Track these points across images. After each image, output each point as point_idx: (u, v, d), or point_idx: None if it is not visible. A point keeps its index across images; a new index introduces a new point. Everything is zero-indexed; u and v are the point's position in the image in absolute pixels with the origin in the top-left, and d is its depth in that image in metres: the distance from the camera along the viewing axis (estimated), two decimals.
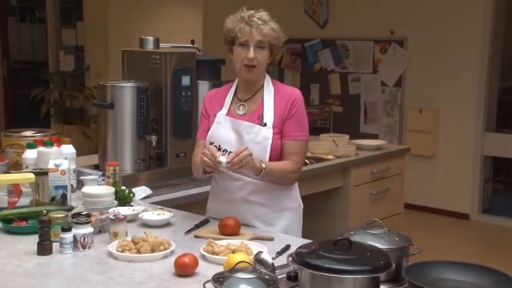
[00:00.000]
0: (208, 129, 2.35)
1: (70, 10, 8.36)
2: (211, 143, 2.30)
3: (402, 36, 5.89)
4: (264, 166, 2.17)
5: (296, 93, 2.31)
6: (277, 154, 2.25)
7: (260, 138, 2.24)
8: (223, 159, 2.12)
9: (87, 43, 7.97)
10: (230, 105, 2.34)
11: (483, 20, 5.46)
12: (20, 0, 9.20)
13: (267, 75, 2.34)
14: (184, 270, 1.76)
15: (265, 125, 2.25)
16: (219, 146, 2.28)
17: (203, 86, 3.06)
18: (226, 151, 2.26)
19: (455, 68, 5.61)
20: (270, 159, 2.23)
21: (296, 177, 2.33)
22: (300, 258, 1.49)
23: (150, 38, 3.02)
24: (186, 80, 2.93)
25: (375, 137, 5.66)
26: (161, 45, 3.06)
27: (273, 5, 6.65)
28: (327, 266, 1.44)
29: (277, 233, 2.23)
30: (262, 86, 2.32)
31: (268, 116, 2.26)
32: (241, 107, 2.32)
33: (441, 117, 5.73)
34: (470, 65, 5.54)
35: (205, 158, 2.13)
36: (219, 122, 2.33)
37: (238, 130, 2.27)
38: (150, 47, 3.01)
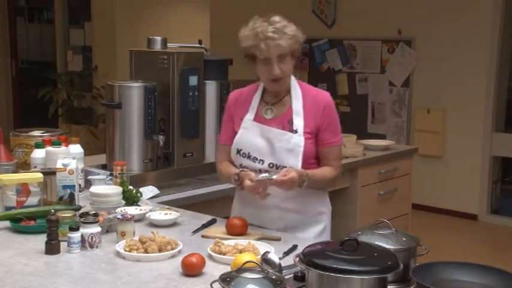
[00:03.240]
0: (233, 134, 2.27)
1: (78, 10, 8.39)
2: (238, 150, 2.23)
3: (410, 36, 5.87)
4: (306, 182, 2.12)
5: (326, 98, 2.25)
6: (308, 159, 2.19)
7: (291, 146, 2.17)
8: (263, 175, 2.09)
9: (95, 43, 8.00)
10: (257, 109, 2.26)
11: (492, 19, 5.43)
12: (29, 1, 9.24)
13: (292, 76, 2.27)
14: (191, 270, 1.76)
15: (295, 132, 2.18)
16: (248, 153, 2.22)
17: (210, 86, 3.07)
18: (257, 159, 2.20)
19: (464, 68, 5.58)
20: (302, 165, 2.17)
21: (335, 181, 2.30)
22: (307, 258, 1.49)
23: (158, 38, 3.02)
24: (193, 80, 2.93)
25: (382, 137, 5.64)
26: (169, 45, 3.06)
27: (281, 5, 6.67)
28: (334, 266, 1.43)
29: (312, 239, 2.18)
30: (290, 89, 2.24)
31: (298, 122, 2.19)
32: (268, 111, 2.25)
33: (449, 117, 5.70)
34: (478, 64, 5.51)
35: (252, 189, 2.10)
36: (246, 128, 2.24)
37: (269, 137, 2.20)
38: (157, 47, 3.01)
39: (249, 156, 2.21)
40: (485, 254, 4.73)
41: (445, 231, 5.25)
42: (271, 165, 2.19)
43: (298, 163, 2.16)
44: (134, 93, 2.81)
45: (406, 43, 5.89)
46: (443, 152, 5.74)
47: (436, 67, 5.72)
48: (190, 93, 2.93)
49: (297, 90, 2.24)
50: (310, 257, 1.48)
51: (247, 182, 2.10)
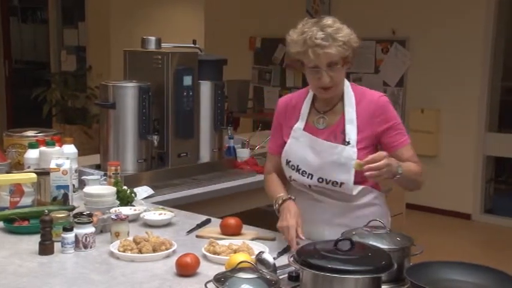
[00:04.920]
0: (282, 143, 2.13)
1: (72, 10, 8.37)
2: (288, 161, 2.10)
3: (404, 36, 5.89)
4: (400, 171, 1.87)
5: (380, 99, 2.06)
6: (362, 172, 1.94)
7: (343, 159, 2.01)
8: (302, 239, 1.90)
9: (89, 43, 7.98)
10: (308, 116, 2.11)
11: (485, 20, 5.45)
12: (22, 1, 9.21)
13: (345, 80, 2.09)
14: (185, 270, 1.76)
15: (348, 143, 2.02)
16: (297, 166, 2.08)
17: (205, 86, 3.06)
18: (306, 173, 2.06)
19: (457, 68, 5.60)
20: (356, 180, 2.01)
21: (423, 180, 2.06)
22: (301, 258, 1.49)
23: (152, 38, 3.02)
24: (187, 80, 2.93)
25: None
26: (163, 45, 3.05)
27: (275, 5, 6.68)
28: (329, 266, 1.43)
29: None
30: (343, 95, 2.07)
31: (351, 132, 2.03)
32: (321, 120, 2.09)
33: (443, 117, 5.72)
34: (472, 65, 5.53)
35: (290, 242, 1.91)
36: (296, 138, 2.10)
37: (319, 150, 2.05)
38: (152, 47, 3.01)
39: (298, 170, 2.08)
40: (479, 253, 4.75)
41: (439, 231, 5.27)
42: (320, 180, 2.05)
43: (350, 178, 2.00)
44: (128, 93, 2.81)
45: (400, 43, 5.91)
46: (437, 152, 5.76)
47: (430, 67, 5.74)
48: (185, 94, 2.93)
49: (350, 96, 2.07)
50: (304, 257, 1.49)
51: (294, 245, 1.88)
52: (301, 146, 2.08)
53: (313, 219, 2.07)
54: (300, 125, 2.11)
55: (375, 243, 1.63)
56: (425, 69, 5.77)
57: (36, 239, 1.96)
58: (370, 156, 1.82)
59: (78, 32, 8.17)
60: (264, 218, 2.48)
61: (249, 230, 2.17)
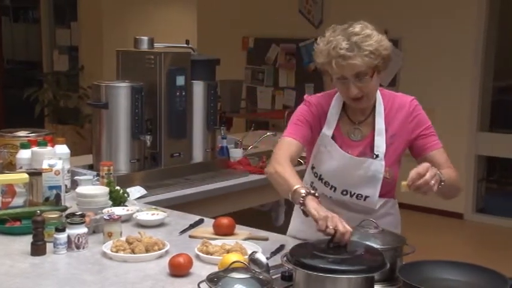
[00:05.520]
0: (308, 133, 1.97)
1: (64, 10, 8.33)
2: (313, 167, 2.00)
3: (397, 35, 5.89)
4: (443, 178, 1.76)
5: (413, 104, 1.97)
6: (388, 187, 1.92)
7: (371, 173, 1.92)
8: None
9: (81, 43, 7.95)
10: (340, 125, 1.98)
11: (477, 20, 5.48)
12: (14, 0, 9.16)
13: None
14: (178, 270, 1.76)
15: (376, 156, 1.93)
16: (320, 175, 1.99)
17: (198, 86, 3.06)
18: (329, 184, 1.97)
19: (450, 68, 5.62)
20: (381, 193, 1.94)
21: (461, 186, 1.96)
22: (294, 258, 1.49)
23: (145, 38, 3.01)
24: (180, 80, 2.93)
25: None
26: (156, 45, 3.05)
27: (268, 5, 6.68)
28: (322, 266, 1.44)
29: None
30: (375, 104, 1.96)
31: (380, 144, 1.93)
32: (356, 131, 1.97)
33: (435, 117, 5.70)
34: (464, 64, 5.56)
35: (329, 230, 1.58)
36: (324, 145, 1.97)
37: (346, 164, 1.95)
38: (144, 47, 3.00)
39: (320, 179, 1.99)
40: (471, 252, 4.77)
41: (431, 230, 5.29)
42: (344, 192, 1.97)
43: (376, 192, 1.93)
44: (121, 93, 2.80)
45: (392, 43, 5.89)
46: None
47: (422, 67, 5.76)
48: (178, 93, 2.92)
49: (380, 104, 1.96)
50: (297, 257, 1.49)
51: (340, 228, 1.56)
52: (328, 156, 1.97)
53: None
54: (327, 131, 1.97)
55: (367, 243, 1.63)
56: (418, 69, 5.79)
57: (28, 239, 1.95)
58: (414, 172, 1.68)
59: (71, 31, 8.14)
60: (257, 218, 2.48)
61: (242, 230, 2.17)
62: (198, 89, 3.06)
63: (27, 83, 8.36)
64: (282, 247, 1.97)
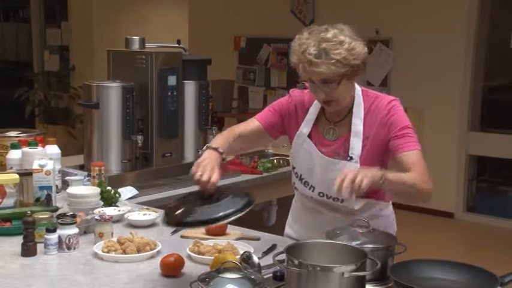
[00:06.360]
0: (273, 123, 2.02)
1: (55, 9, 8.30)
2: (293, 167, 2.03)
3: (388, 36, 5.92)
4: (381, 177, 1.72)
5: (391, 105, 1.93)
6: (370, 189, 1.77)
7: None
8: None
9: (72, 43, 7.92)
10: (317, 124, 1.99)
11: (467, 19, 5.51)
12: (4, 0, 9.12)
13: (357, 87, 1.94)
14: (170, 270, 1.76)
15: (350, 159, 1.90)
16: (300, 175, 2.00)
17: (189, 86, 3.06)
18: (308, 184, 1.98)
19: (440, 68, 5.65)
20: (364, 195, 1.83)
21: (430, 190, 1.88)
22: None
23: (136, 38, 3.00)
24: (172, 80, 2.92)
25: None
26: (147, 45, 3.04)
27: (259, 5, 6.68)
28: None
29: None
30: (352, 105, 1.94)
31: (355, 146, 1.91)
32: (331, 131, 1.97)
33: (426, 117, 5.76)
34: (454, 64, 5.58)
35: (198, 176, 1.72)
36: (300, 144, 1.99)
37: (320, 164, 1.95)
38: (135, 46, 3.00)
39: (300, 179, 2.00)
40: (461, 251, 4.79)
41: (422, 230, 5.30)
42: (321, 194, 1.97)
43: (352, 195, 1.79)
44: (112, 93, 2.79)
45: (383, 43, 5.94)
46: None
47: (413, 67, 5.78)
48: (169, 93, 2.92)
49: (359, 106, 1.93)
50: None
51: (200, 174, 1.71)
52: (304, 155, 1.98)
53: (313, 229, 1.99)
54: (304, 129, 1.99)
55: (359, 242, 1.64)
56: (409, 69, 5.81)
57: (18, 240, 1.94)
58: (338, 177, 1.67)
59: (61, 31, 8.10)
60: (249, 217, 2.48)
61: (233, 230, 2.17)
62: (190, 88, 3.06)
63: (18, 83, 8.32)
64: (273, 247, 1.98)
